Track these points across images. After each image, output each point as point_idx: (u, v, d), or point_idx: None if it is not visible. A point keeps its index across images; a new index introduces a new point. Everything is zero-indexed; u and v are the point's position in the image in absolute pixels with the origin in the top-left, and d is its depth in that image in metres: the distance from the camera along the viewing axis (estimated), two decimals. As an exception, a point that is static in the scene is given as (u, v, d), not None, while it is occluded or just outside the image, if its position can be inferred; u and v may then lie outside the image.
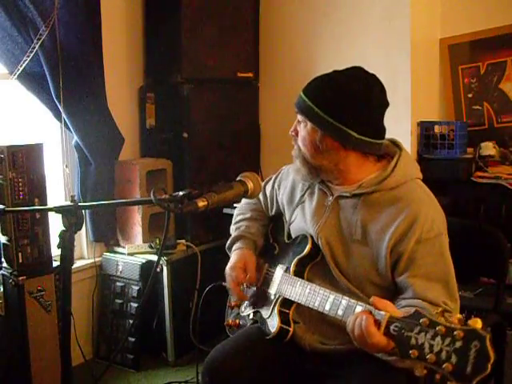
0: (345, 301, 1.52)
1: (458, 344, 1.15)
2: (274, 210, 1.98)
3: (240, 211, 2.06)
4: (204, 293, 2.13)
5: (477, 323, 1.15)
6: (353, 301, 1.50)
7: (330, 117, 1.60)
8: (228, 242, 2.00)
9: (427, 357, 1.18)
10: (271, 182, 2.00)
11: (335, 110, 1.61)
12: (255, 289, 1.88)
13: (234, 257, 1.91)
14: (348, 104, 1.60)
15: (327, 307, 1.56)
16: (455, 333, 1.15)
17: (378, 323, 1.32)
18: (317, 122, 1.63)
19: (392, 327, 1.28)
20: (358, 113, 1.61)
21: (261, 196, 2.02)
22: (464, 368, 1.12)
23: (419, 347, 1.20)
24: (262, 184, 2.01)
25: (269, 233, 1.98)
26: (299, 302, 1.67)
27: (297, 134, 1.71)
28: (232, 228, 2.03)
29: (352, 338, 1.39)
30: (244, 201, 2.05)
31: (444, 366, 1.15)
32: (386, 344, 1.29)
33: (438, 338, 1.18)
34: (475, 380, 1.11)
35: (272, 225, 1.99)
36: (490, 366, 1.11)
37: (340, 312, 1.52)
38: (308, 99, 1.64)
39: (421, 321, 1.22)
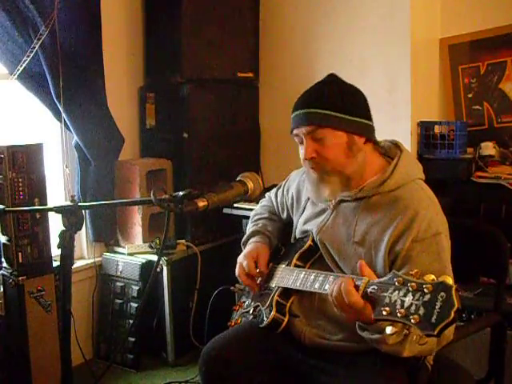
0: (332, 277, 1.57)
1: (427, 297, 1.19)
2: (285, 215, 2.01)
3: (256, 212, 2.09)
4: (213, 296, 2.15)
5: (446, 278, 1.19)
6: (340, 275, 1.56)
7: (347, 115, 1.62)
8: (244, 237, 2.02)
9: (397, 312, 1.23)
10: (281, 188, 2.04)
11: (347, 107, 1.63)
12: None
13: (247, 248, 1.93)
14: (351, 98, 1.66)
15: (317, 285, 1.60)
16: (424, 287, 1.20)
17: (357, 288, 1.37)
18: (341, 125, 1.61)
19: (370, 289, 1.34)
20: (360, 102, 1.68)
21: (273, 200, 2.07)
22: (429, 317, 1.17)
23: (392, 304, 1.25)
24: (274, 190, 2.08)
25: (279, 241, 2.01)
26: (294, 287, 1.70)
27: (318, 154, 1.64)
28: (249, 226, 2.05)
29: (331, 303, 1.45)
30: (260, 204, 2.11)
31: (411, 318, 1.19)
32: (363, 306, 1.35)
33: (410, 294, 1.23)
34: (439, 327, 1.15)
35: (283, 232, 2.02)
36: (453, 312, 1.14)
37: (327, 286, 1.56)
38: (319, 109, 1.61)
39: (395, 280, 1.27)
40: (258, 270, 1.84)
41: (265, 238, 1.96)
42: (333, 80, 1.71)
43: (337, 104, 1.62)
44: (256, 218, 2.06)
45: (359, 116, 1.65)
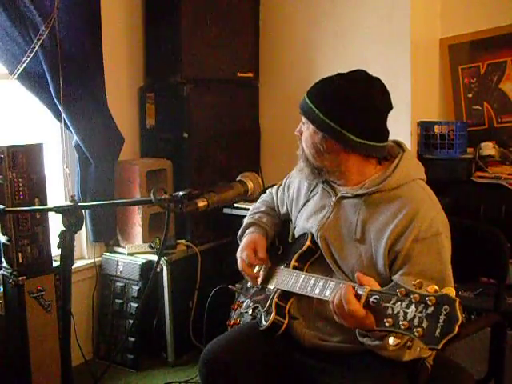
0: (333, 283, 1.56)
1: (430, 309, 1.18)
2: (284, 210, 2.01)
3: (255, 206, 2.10)
4: (210, 295, 2.16)
5: (449, 290, 1.18)
6: (340, 281, 1.55)
7: (330, 120, 1.62)
8: (240, 230, 2.01)
9: (400, 324, 1.22)
10: (282, 185, 2.04)
11: (335, 114, 1.63)
12: (258, 287, 1.89)
13: (243, 240, 1.93)
14: (348, 108, 1.62)
15: (317, 291, 1.60)
16: (427, 299, 1.19)
17: (358, 297, 1.36)
18: (318, 125, 1.66)
19: (372, 299, 1.33)
20: (358, 116, 1.62)
21: (274, 195, 2.07)
22: (433, 331, 1.16)
23: (394, 316, 1.24)
24: (275, 188, 2.09)
25: (275, 236, 1.99)
26: (294, 290, 1.69)
27: (301, 134, 1.74)
28: (245, 219, 2.05)
29: (332, 311, 1.44)
30: (260, 199, 2.11)
31: (415, 330, 1.18)
32: (364, 314, 1.34)
33: (413, 306, 1.22)
34: (443, 341, 1.14)
35: (280, 229, 2.02)
36: (457, 327, 1.14)
37: (327, 292, 1.55)
38: (310, 102, 1.67)
39: (397, 291, 1.26)
40: (259, 257, 1.84)
41: (260, 228, 1.96)
42: (350, 77, 1.67)
43: (328, 108, 1.64)
44: (253, 211, 2.06)
45: (343, 126, 1.61)
